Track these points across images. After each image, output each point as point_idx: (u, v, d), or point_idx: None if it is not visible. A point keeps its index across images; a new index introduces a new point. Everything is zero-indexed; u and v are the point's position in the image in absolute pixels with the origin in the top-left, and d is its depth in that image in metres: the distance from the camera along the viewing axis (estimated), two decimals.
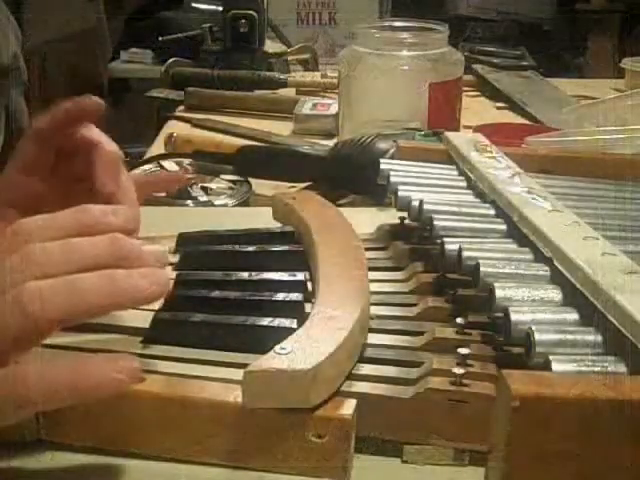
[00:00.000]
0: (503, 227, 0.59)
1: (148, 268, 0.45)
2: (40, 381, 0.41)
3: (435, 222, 0.58)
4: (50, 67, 2.42)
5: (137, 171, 0.97)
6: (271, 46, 1.63)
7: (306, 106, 1.28)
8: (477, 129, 1.07)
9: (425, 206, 0.61)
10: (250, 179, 0.94)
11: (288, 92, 1.45)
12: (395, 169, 0.68)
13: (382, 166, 0.69)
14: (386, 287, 0.59)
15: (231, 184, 0.95)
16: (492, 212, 0.62)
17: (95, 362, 0.43)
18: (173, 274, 0.59)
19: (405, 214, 0.65)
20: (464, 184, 0.68)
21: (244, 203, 0.91)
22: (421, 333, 0.52)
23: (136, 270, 0.44)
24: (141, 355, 0.50)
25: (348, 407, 0.45)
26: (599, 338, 0.44)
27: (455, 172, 0.70)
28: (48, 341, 0.50)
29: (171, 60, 1.56)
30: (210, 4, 2.47)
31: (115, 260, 0.44)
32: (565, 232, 0.52)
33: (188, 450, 0.46)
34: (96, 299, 0.42)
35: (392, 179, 0.66)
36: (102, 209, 0.48)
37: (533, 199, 0.59)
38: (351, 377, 0.47)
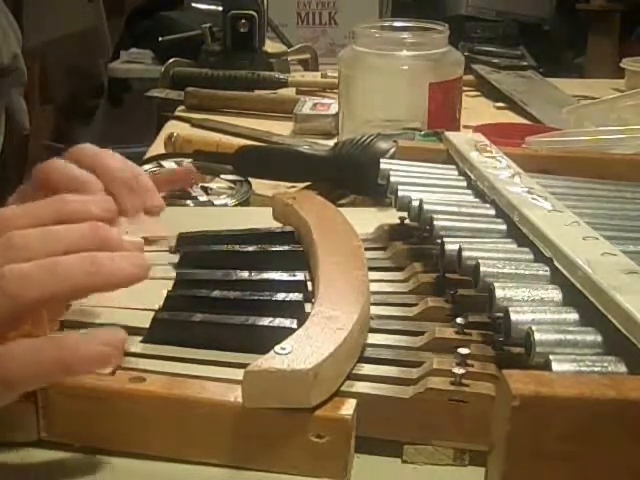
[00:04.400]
0: (503, 227, 0.59)
1: (129, 252, 0.45)
2: (26, 358, 0.41)
3: (435, 222, 0.58)
4: (50, 67, 2.43)
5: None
6: (271, 46, 1.63)
7: (306, 106, 1.28)
8: (477, 129, 1.06)
9: (425, 206, 0.61)
10: (250, 179, 0.94)
11: (288, 92, 1.45)
12: (395, 169, 0.68)
13: (382, 166, 0.69)
14: (386, 287, 0.59)
15: (231, 184, 0.94)
16: (492, 212, 0.62)
17: (81, 337, 0.43)
18: (173, 274, 0.59)
19: (405, 214, 0.65)
20: (464, 184, 0.68)
21: (244, 203, 0.91)
22: (421, 333, 0.52)
23: (117, 252, 0.45)
24: (141, 355, 0.50)
25: (348, 407, 0.45)
26: (599, 338, 0.44)
27: (455, 172, 0.70)
28: None
29: (171, 60, 1.56)
30: (210, 4, 2.47)
31: (95, 247, 0.45)
32: (565, 232, 0.52)
33: (188, 450, 0.46)
34: (77, 278, 0.42)
35: (392, 179, 0.66)
36: (80, 199, 0.48)
37: (533, 199, 0.59)
38: (351, 377, 0.47)
